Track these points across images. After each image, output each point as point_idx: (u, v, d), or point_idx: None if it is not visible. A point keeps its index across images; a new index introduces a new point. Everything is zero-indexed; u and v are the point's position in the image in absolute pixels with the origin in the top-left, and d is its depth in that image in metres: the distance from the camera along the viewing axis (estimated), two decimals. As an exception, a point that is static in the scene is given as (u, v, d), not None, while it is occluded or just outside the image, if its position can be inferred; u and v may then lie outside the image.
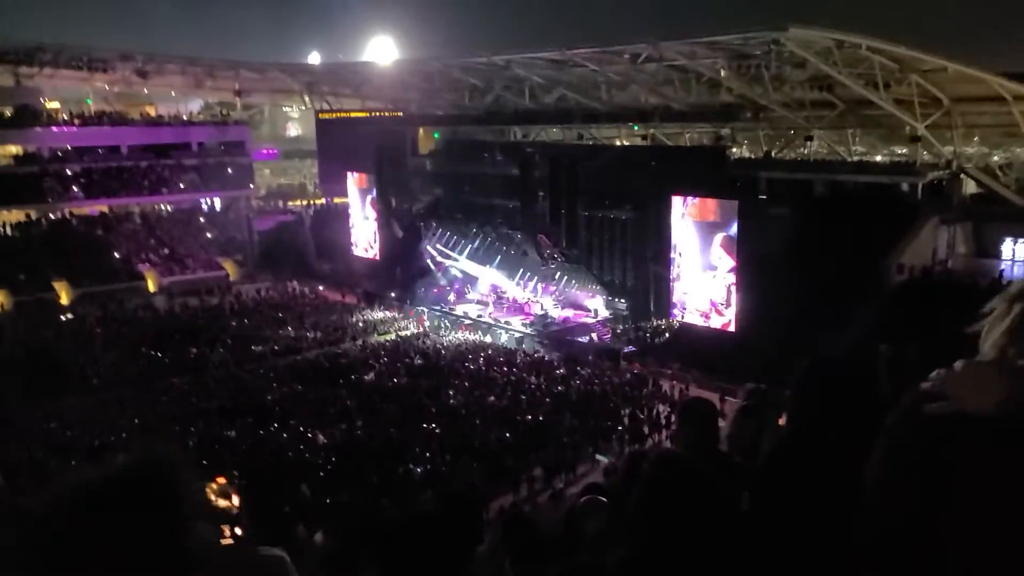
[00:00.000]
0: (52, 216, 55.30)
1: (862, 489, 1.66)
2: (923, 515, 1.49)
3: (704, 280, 37.15)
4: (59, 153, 56.45)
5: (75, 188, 56.22)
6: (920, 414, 1.52)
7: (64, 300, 46.96)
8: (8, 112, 55.59)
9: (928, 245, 36.24)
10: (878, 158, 47.62)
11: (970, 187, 39.99)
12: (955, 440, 1.48)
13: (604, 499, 4.28)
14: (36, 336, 40.31)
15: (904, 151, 45.41)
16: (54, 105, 61.12)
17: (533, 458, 24.81)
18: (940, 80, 37.70)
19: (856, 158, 44.68)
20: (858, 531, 1.68)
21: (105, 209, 57.16)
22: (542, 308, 44.53)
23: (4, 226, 52.96)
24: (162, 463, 1.55)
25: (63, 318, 44.30)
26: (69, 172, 56.41)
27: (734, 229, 35.65)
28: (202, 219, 59.93)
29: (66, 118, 58.68)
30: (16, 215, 53.83)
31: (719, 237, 36.28)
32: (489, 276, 48.99)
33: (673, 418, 26.76)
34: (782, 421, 3.99)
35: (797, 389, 2.76)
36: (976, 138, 43.24)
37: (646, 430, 27.71)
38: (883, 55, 36.63)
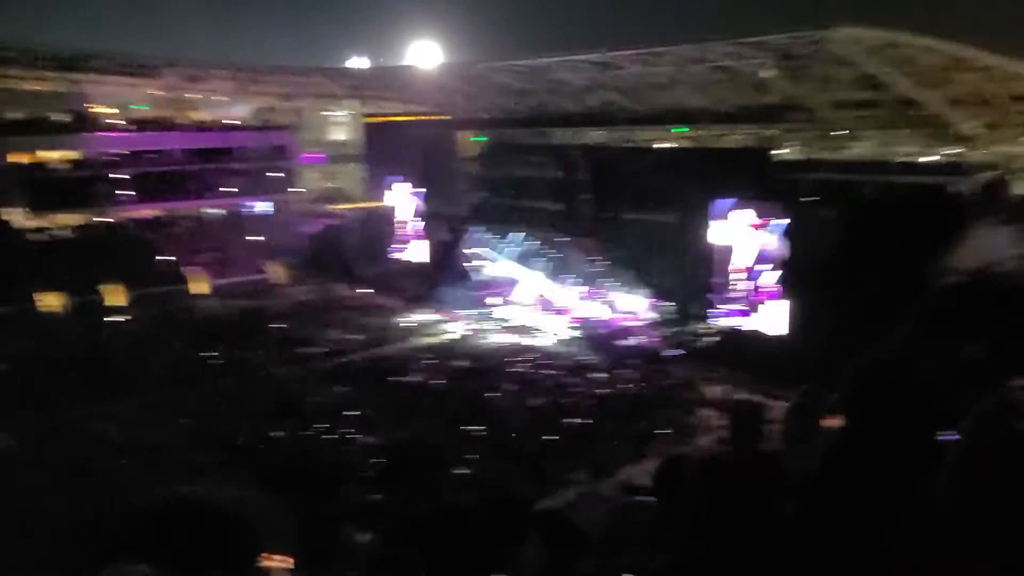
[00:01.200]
0: (105, 220, 56.60)
1: (930, 492, 1.61)
2: (1009, 532, 1.41)
3: (750, 282, 36.72)
4: (112, 158, 57.79)
5: (127, 192, 57.51)
6: (1008, 427, 1.45)
7: (115, 302, 48.02)
8: (62, 118, 57.07)
9: (980, 246, 35.32)
10: (927, 159, 46.65)
11: (1022, 187, 38.99)
12: None
13: (649, 499, 4.28)
14: (90, 337, 41.29)
15: (955, 151, 44.42)
16: (108, 111, 62.56)
17: (576, 461, 24.75)
18: (992, 78, 36.86)
19: (905, 159, 43.80)
20: (931, 535, 1.62)
21: (157, 213, 58.35)
22: (585, 311, 44.40)
23: (60, 230, 54.36)
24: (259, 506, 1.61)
25: (116, 320, 45.31)
26: (121, 176, 57.71)
27: (781, 231, 35.21)
28: (249, 223, 60.83)
29: (119, 123, 60.03)
30: (70, 219, 55.22)
31: (766, 239, 35.85)
32: (532, 279, 49.01)
33: (719, 421, 26.51)
34: (831, 422, 3.93)
35: (851, 392, 2.73)
36: (1030, 137, 42.11)
37: (690, 433, 27.50)
38: (933, 54, 35.91)
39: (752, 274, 36.53)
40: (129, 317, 45.57)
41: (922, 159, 46.29)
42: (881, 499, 2.34)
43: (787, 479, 3.20)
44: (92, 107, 59.86)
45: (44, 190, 53.84)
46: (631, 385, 32.73)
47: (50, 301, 46.49)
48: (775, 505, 2.70)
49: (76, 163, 56.69)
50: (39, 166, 55.30)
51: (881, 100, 40.20)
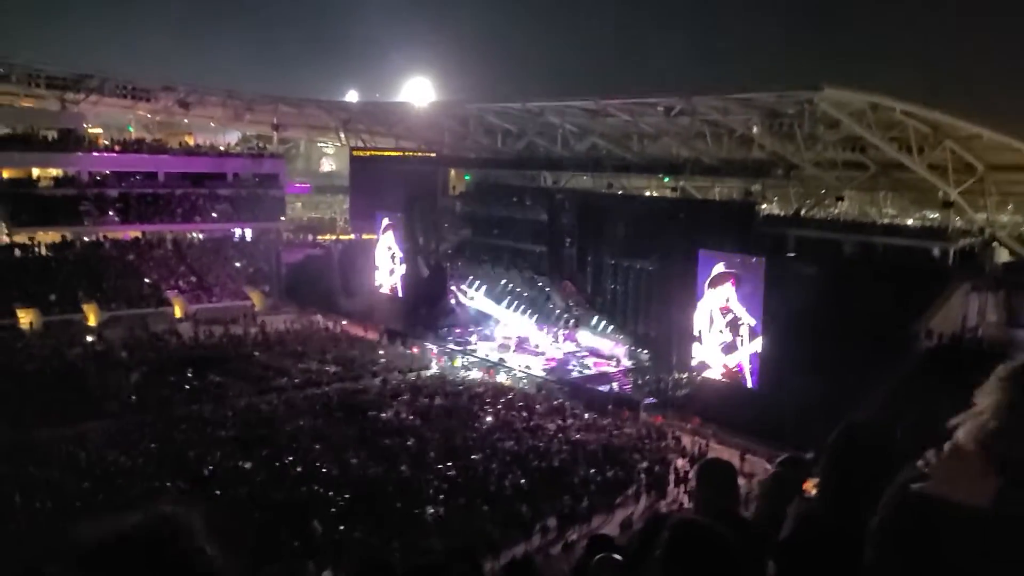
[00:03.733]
0: (87, 238, 56.23)
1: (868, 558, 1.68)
2: None
3: (728, 335, 36.83)
4: (98, 177, 57.62)
5: (111, 212, 57.24)
6: (908, 492, 1.57)
7: (92, 322, 47.49)
8: (52, 135, 56.93)
9: (958, 312, 35.73)
10: (909, 222, 47.34)
11: (1003, 255, 39.57)
12: (937, 523, 1.52)
13: (618, 557, 4.19)
14: (62, 357, 40.73)
15: (936, 216, 45.12)
16: (96, 131, 62.53)
17: (547, 507, 24.54)
18: (975, 147, 37.57)
19: (887, 221, 44.43)
20: None
21: (139, 234, 58.07)
22: (563, 354, 44.36)
23: (39, 246, 53.87)
24: (174, 526, 1.52)
25: (89, 339, 44.72)
26: (106, 196, 57.49)
27: (761, 287, 35.39)
28: (232, 249, 60.62)
29: (107, 144, 59.95)
30: (52, 236, 54.79)
31: (745, 294, 36.02)
32: (512, 319, 48.98)
33: (691, 475, 26.40)
34: (807, 486, 3.86)
35: (829, 457, 2.69)
36: (1010, 206, 42.91)
37: (663, 485, 27.35)
38: (918, 119, 36.60)
39: (731, 327, 36.65)
40: (103, 338, 44.96)
41: (904, 222, 47.01)
42: (856, 568, 2.29)
43: (760, 544, 3.14)
44: (83, 126, 59.86)
45: (25, 206, 53.50)
46: (604, 432, 32.56)
47: (23, 318, 45.91)
48: (749, 571, 2.64)
49: (61, 181, 56.44)
50: (22, 182, 54.98)
51: (865, 161, 40.84)
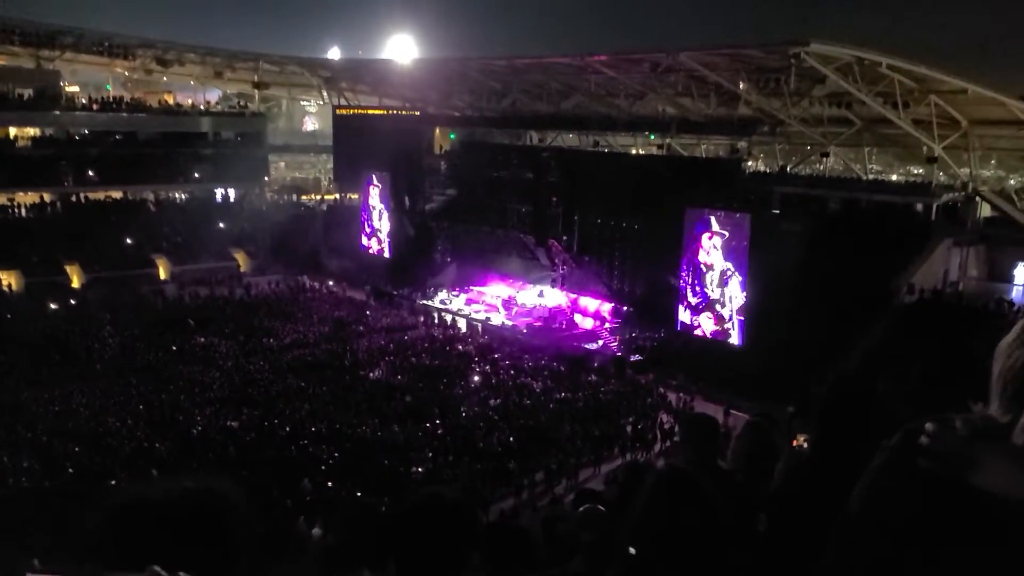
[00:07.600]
0: (67, 199, 55.49)
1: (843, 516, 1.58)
2: (893, 562, 1.39)
3: (713, 293, 37.04)
4: (76, 137, 56.73)
5: (91, 173, 56.45)
6: (911, 464, 1.39)
7: (75, 284, 47.16)
8: (28, 94, 55.82)
9: (940, 267, 36.06)
10: (893, 177, 47.44)
11: (985, 210, 39.79)
12: (949, 506, 1.34)
13: (601, 508, 4.26)
14: (46, 318, 40.50)
15: (920, 171, 45.23)
16: (73, 89, 61.35)
17: (535, 463, 24.82)
18: (959, 102, 37.55)
19: (871, 176, 44.53)
20: (832, 556, 1.61)
21: (119, 195, 57.38)
22: (550, 312, 44.48)
23: (19, 207, 53.17)
24: (222, 497, 1.59)
25: (72, 302, 44.43)
26: (85, 156, 56.63)
27: (745, 243, 35.53)
28: (215, 210, 60.04)
29: (85, 102, 58.95)
30: (31, 197, 54.04)
31: (730, 250, 36.16)
32: (498, 279, 48.98)
33: (676, 430, 26.71)
34: (797, 440, 3.92)
35: (820, 411, 2.71)
36: (993, 161, 43.11)
37: (649, 440, 27.68)
38: (903, 74, 36.51)
39: (716, 283, 36.83)
40: (87, 299, 44.70)
41: (889, 177, 47.14)
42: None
43: (744, 496, 3.18)
44: (60, 85, 58.73)
45: (3, 167, 52.67)
46: (590, 389, 32.82)
47: (4, 279, 45.52)
48: (737, 523, 2.67)
49: (38, 141, 55.53)
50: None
51: (851, 117, 40.79)
